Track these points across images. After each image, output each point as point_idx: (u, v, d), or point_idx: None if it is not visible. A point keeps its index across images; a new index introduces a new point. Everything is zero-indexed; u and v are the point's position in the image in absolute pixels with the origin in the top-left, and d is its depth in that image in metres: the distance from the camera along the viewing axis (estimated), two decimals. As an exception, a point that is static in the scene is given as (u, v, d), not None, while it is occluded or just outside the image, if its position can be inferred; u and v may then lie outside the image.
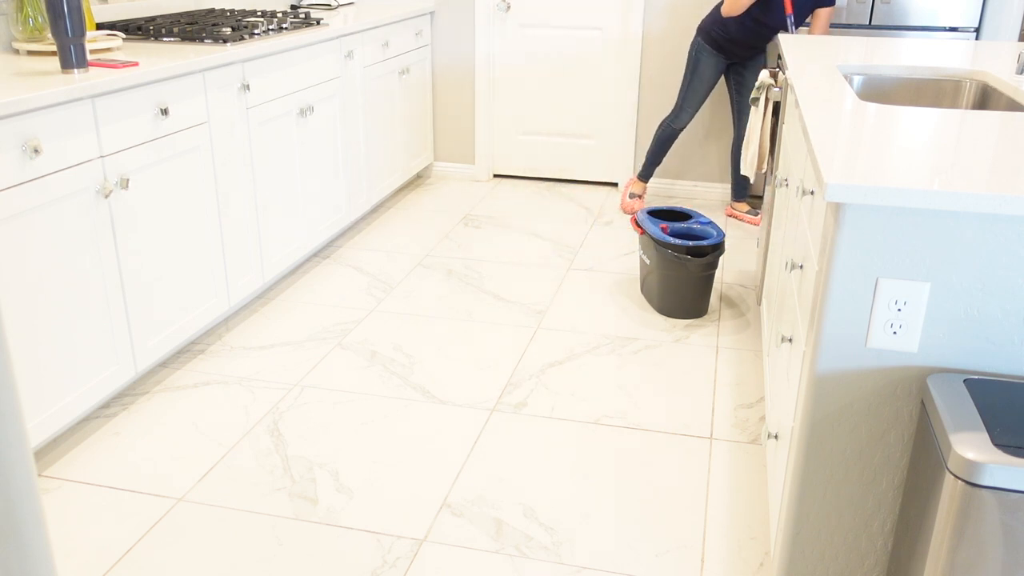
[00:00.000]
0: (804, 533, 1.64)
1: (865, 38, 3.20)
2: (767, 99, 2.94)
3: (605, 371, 2.78)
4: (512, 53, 4.67)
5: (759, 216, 4.20)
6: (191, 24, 3.14)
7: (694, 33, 4.36)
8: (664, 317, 3.17)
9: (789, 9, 3.72)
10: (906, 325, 1.45)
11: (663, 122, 4.19)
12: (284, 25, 3.28)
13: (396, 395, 2.63)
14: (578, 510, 2.13)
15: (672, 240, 3.08)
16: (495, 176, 4.94)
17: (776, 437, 1.95)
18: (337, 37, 3.53)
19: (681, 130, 4.16)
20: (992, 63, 2.62)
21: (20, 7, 2.62)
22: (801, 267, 1.84)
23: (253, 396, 2.61)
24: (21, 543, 0.80)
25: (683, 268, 3.07)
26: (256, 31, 3.09)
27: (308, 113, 3.34)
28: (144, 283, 2.50)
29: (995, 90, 2.41)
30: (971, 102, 2.56)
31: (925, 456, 1.42)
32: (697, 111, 4.12)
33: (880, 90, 2.62)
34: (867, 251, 1.43)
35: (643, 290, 3.32)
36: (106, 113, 2.28)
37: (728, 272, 3.60)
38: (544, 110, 4.74)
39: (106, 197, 2.31)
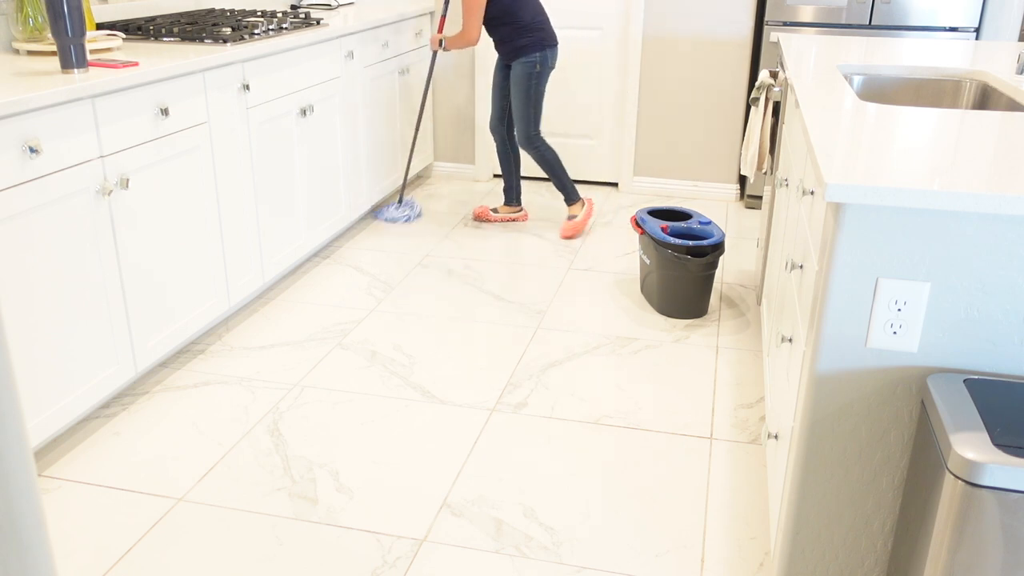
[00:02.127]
0: (804, 533, 1.64)
1: (865, 38, 3.20)
2: (767, 99, 2.93)
3: (605, 371, 2.78)
4: (512, 53, 4.67)
5: (520, 213, 4.19)
6: (191, 24, 3.14)
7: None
8: (664, 317, 3.17)
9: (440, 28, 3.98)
10: (906, 325, 1.45)
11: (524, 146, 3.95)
12: (284, 25, 3.27)
13: (396, 395, 2.63)
14: (578, 510, 2.13)
15: (672, 240, 3.08)
16: (495, 176, 4.94)
17: (776, 437, 1.95)
18: (337, 37, 3.53)
19: (522, 142, 3.90)
20: (992, 63, 2.62)
21: (20, 7, 2.62)
22: (801, 267, 1.84)
23: (253, 396, 2.61)
24: (21, 543, 0.80)
25: (683, 268, 3.07)
26: (256, 31, 3.08)
27: (308, 113, 3.34)
28: (144, 283, 2.50)
29: (995, 90, 2.41)
30: (971, 102, 2.56)
31: (925, 456, 1.42)
32: (495, 113, 4.02)
33: (880, 90, 2.62)
34: (867, 251, 1.43)
35: (643, 290, 3.32)
36: (106, 113, 2.28)
37: (728, 272, 3.60)
38: (544, 110, 4.74)
39: (106, 197, 2.31)
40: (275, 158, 3.15)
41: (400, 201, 4.19)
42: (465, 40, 3.75)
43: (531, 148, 3.89)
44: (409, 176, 4.55)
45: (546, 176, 4.77)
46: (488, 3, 3.70)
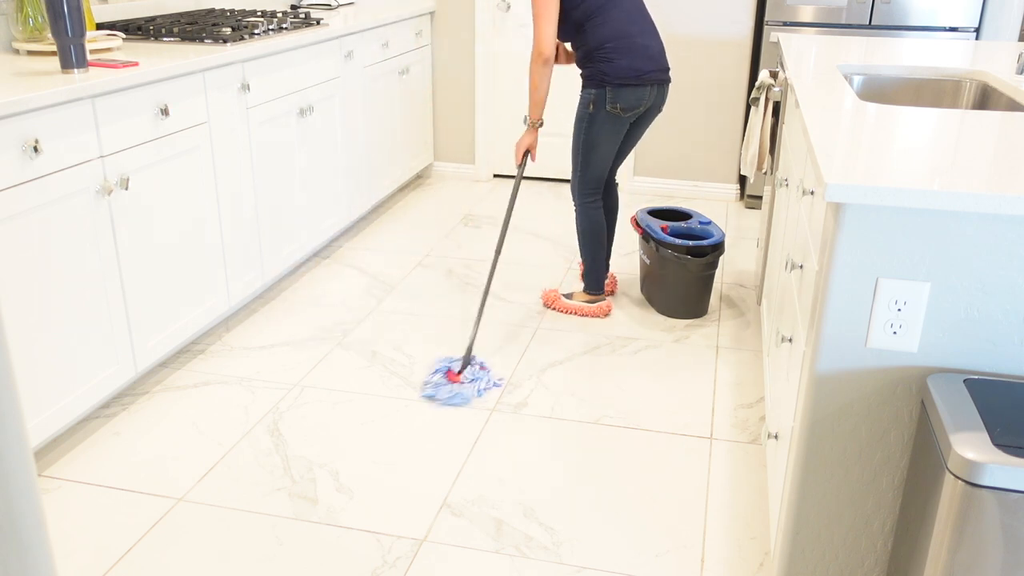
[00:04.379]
0: (804, 533, 1.64)
1: (865, 38, 3.20)
2: (767, 99, 2.93)
3: (605, 371, 2.78)
4: (512, 53, 4.67)
5: (601, 304, 3.18)
6: (191, 24, 3.14)
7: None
8: (664, 317, 3.17)
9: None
10: (906, 325, 1.45)
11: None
12: (284, 25, 3.27)
13: (396, 395, 2.63)
14: (578, 510, 2.13)
15: (672, 240, 3.08)
16: (495, 176, 4.94)
17: (776, 437, 1.95)
18: (337, 37, 3.53)
19: (571, 190, 3.12)
20: (992, 63, 2.62)
21: (20, 7, 2.62)
22: (801, 267, 1.84)
23: (253, 396, 2.61)
24: (21, 543, 0.80)
25: (683, 268, 3.07)
26: (256, 31, 3.08)
27: (308, 113, 3.34)
28: (144, 283, 2.50)
29: (995, 90, 2.41)
30: (971, 102, 2.56)
31: (925, 456, 1.42)
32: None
33: (880, 90, 2.62)
34: (867, 251, 1.43)
35: (643, 290, 3.32)
36: (106, 113, 2.28)
37: (728, 272, 3.60)
38: (544, 110, 4.73)
39: (106, 197, 2.31)
40: (275, 158, 3.15)
41: (464, 364, 2.74)
42: (537, 55, 2.81)
43: (574, 202, 3.08)
44: (408, 177, 4.55)
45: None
46: (562, 15, 2.82)
